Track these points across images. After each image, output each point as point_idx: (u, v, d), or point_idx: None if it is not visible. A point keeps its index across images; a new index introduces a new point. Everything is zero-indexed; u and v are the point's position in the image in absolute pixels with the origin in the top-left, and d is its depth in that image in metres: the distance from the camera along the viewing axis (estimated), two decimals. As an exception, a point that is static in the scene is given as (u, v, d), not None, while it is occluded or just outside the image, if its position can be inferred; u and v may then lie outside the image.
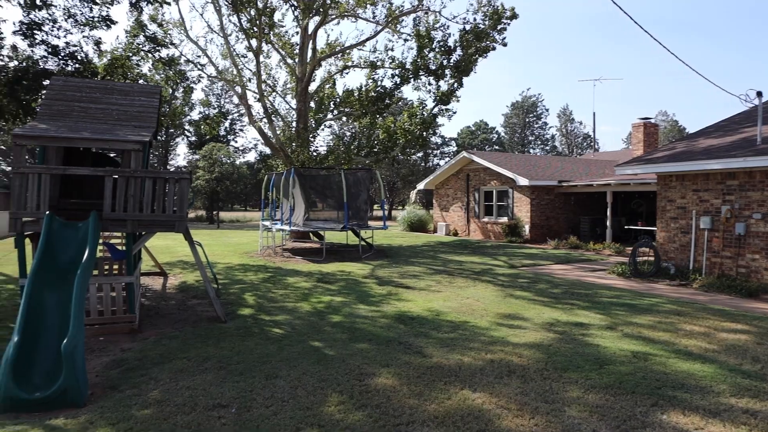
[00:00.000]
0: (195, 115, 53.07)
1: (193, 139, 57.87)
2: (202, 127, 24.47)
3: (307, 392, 5.30)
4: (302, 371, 5.89)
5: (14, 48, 14.24)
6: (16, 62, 13.94)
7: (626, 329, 7.80)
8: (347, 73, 23.98)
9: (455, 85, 21.34)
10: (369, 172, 18.70)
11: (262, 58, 21.97)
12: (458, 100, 21.78)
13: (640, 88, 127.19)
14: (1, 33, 17.52)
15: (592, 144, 73.56)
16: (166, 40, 19.89)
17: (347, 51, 23.46)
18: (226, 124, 59.99)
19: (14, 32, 13.76)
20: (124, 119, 8.31)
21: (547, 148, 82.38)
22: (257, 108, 34.25)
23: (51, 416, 4.79)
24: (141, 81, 18.37)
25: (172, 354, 6.50)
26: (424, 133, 21.97)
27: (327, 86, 24.04)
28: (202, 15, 29.06)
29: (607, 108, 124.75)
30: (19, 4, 13.55)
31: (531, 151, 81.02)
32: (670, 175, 13.29)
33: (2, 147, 44.41)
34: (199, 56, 25.73)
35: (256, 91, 22.06)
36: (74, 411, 4.89)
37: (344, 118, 29.50)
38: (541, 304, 9.67)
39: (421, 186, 30.15)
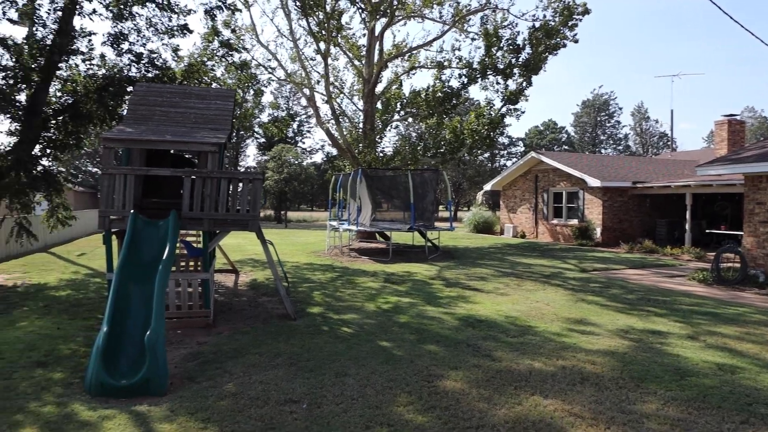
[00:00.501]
0: (264, 117, 54.73)
1: (263, 140, 59.63)
2: (271, 128, 25.17)
3: (376, 391, 5.33)
4: (371, 370, 5.94)
5: (102, 57, 15.14)
6: (104, 71, 14.82)
7: (709, 339, 7.38)
8: (414, 74, 24.08)
9: (524, 84, 20.92)
10: (436, 173, 18.63)
11: (329, 61, 22.35)
12: (527, 100, 21.35)
13: (724, 83, 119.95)
14: (92, 44, 18.67)
15: (669, 143, 70.05)
16: (239, 45, 20.60)
17: (414, 52, 23.49)
18: (294, 125, 61.47)
19: (103, 43, 14.64)
20: (201, 122, 8.67)
21: (620, 147, 79.25)
22: (325, 110, 34.86)
23: (136, 403, 5.06)
24: (215, 85, 19.11)
25: (245, 349, 6.72)
26: (492, 133, 21.66)
27: (393, 87, 24.16)
28: (272, 20, 30.08)
29: (686, 105, 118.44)
30: (109, 17, 14.39)
31: (602, 151, 78.21)
32: (759, 176, 12.45)
33: (88, 149, 47.29)
34: (269, 60, 26.52)
35: (324, 93, 22.47)
36: (156, 399, 5.15)
37: (410, 119, 29.56)
38: (614, 309, 9.31)
39: (487, 187, 29.75)
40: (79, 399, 5.12)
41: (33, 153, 12.41)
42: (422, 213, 17.78)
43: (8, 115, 12.54)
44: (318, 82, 24.22)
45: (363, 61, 23.08)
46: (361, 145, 21.53)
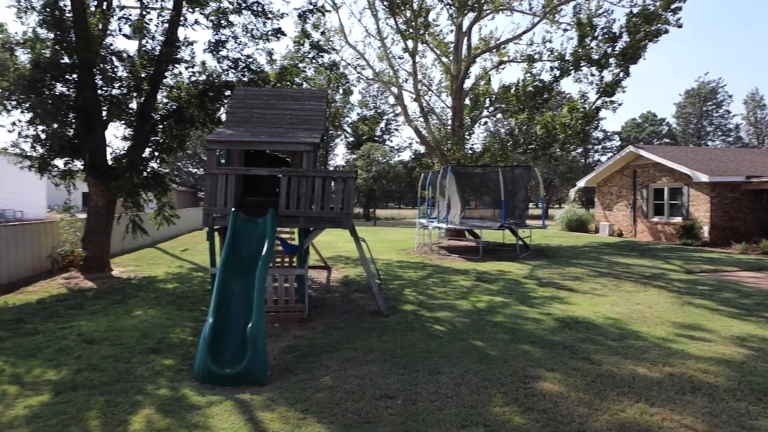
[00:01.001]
0: (353, 116, 55.74)
1: (351, 139, 60.80)
2: (362, 127, 25.55)
3: (471, 390, 5.27)
4: (465, 369, 5.87)
5: (203, 64, 16.05)
6: (204, 77, 15.70)
7: (841, 348, 6.66)
8: (503, 69, 23.52)
9: (620, 74, 19.84)
10: (527, 170, 18.15)
11: (417, 58, 22.37)
12: (624, 91, 20.18)
13: None
14: (194, 52, 19.79)
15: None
16: (328, 47, 21.09)
17: (502, 46, 22.98)
18: (382, 124, 62.16)
19: (204, 50, 15.54)
20: (296, 123, 8.96)
21: (730, 139, 73.39)
22: (413, 108, 34.93)
23: (239, 391, 5.32)
24: (305, 85, 19.70)
25: (339, 344, 6.87)
26: (586, 127, 20.72)
27: (482, 83, 23.76)
28: (359, 20, 30.41)
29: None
30: (209, 26, 15.23)
31: (709, 143, 72.81)
32: None
33: (188, 151, 50.23)
34: (357, 59, 26.93)
35: (412, 90, 22.53)
36: (257, 388, 5.38)
37: (500, 115, 28.96)
38: (727, 315, 8.62)
39: (581, 183, 28.59)
40: (188, 384, 5.45)
41: (143, 156, 13.39)
42: (513, 210, 17.38)
43: (123, 122, 13.60)
44: (406, 80, 24.32)
45: (450, 58, 22.90)
46: (449, 142, 21.37)
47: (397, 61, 24.27)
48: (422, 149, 40.64)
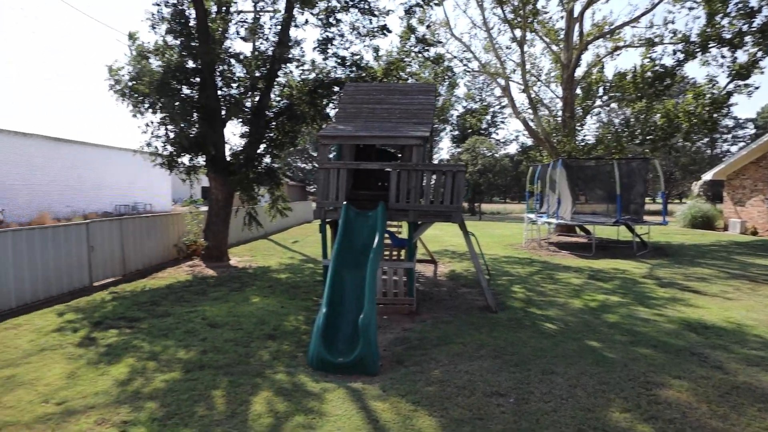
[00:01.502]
0: (459, 109, 55.20)
1: (456, 133, 60.26)
2: (469, 120, 25.20)
3: (587, 393, 5.01)
4: (580, 370, 5.60)
5: (312, 63, 16.60)
6: (314, 74, 16.23)
7: None
8: (618, 55, 22.27)
9: (758, 54, 17.93)
10: (645, 162, 16.98)
11: (525, 48, 21.65)
12: (762, 72, 18.24)
13: None
14: (303, 51, 20.54)
15: None
16: (433, 40, 20.98)
17: (618, 30, 21.63)
18: (488, 117, 61.04)
19: (313, 49, 16.06)
20: (405, 117, 8.99)
21: None
22: (520, 99, 33.90)
23: (351, 380, 5.43)
24: (411, 80, 19.77)
25: (448, 338, 6.81)
26: (714, 114, 18.99)
27: (595, 70, 22.54)
28: (465, 12, 30.07)
29: None
30: (318, 25, 15.72)
31: None
32: None
33: (298, 147, 52.16)
34: (464, 51, 26.56)
35: (520, 81, 21.87)
36: (368, 378, 5.47)
37: (614, 104, 27.36)
38: None
39: (707, 176, 26.31)
40: (303, 371, 5.66)
41: (258, 151, 14.10)
42: (628, 205, 16.35)
43: (240, 119, 14.40)
44: (513, 71, 23.65)
45: (561, 46, 21.93)
46: (559, 134, 20.52)
47: (504, 51, 23.67)
48: (530, 142, 39.40)
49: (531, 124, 22.37)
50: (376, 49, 18.27)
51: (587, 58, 30.05)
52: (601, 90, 22.07)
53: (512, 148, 66.10)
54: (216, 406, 4.79)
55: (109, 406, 4.76)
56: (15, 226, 15.33)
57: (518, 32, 21.26)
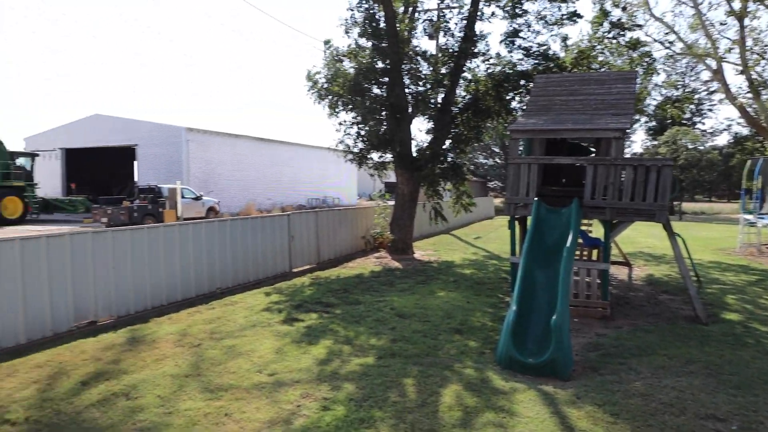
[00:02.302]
0: (656, 98, 50.20)
1: (653, 124, 54.94)
2: (670, 110, 22.77)
3: (836, 429, 4.21)
4: (824, 401, 4.73)
5: (498, 56, 16.33)
6: (499, 68, 15.96)
7: None
8: None
9: None
10: None
11: (746, 22, 18.86)
12: None
13: None
14: (488, 45, 20.32)
15: None
16: (631, 23, 19.28)
17: None
18: (692, 105, 54.59)
19: (500, 42, 15.77)
20: (601, 108, 8.40)
21: None
22: (736, 82, 29.77)
23: (541, 382, 5.24)
24: (602, 69, 18.43)
25: (650, 348, 6.23)
26: None
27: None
28: (668, -13, 26.97)
29: None
30: (505, 17, 15.41)
31: None
32: None
33: (481, 143, 51.74)
34: (666, 33, 24.03)
35: (737, 61, 19.14)
36: (560, 382, 5.23)
37: None
38: None
39: None
40: (491, 368, 5.60)
41: (443, 147, 14.29)
42: None
43: (426, 116, 14.73)
44: (728, 50, 20.77)
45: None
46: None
47: (716, 28, 20.90)
48: (746, 131, 34.50)
49: (750, 110, 19.48)
50: (564, 39, 17.36)
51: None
52: None
53: (722, 139, 58.47)
54: (407, 393, 4.95)
55: (311, 382, 5.19)
56: (228, 216, 17.56)
57: (737, 3, 18.61)
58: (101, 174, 34.72)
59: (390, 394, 4.93)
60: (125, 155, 32.00)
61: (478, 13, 14.36)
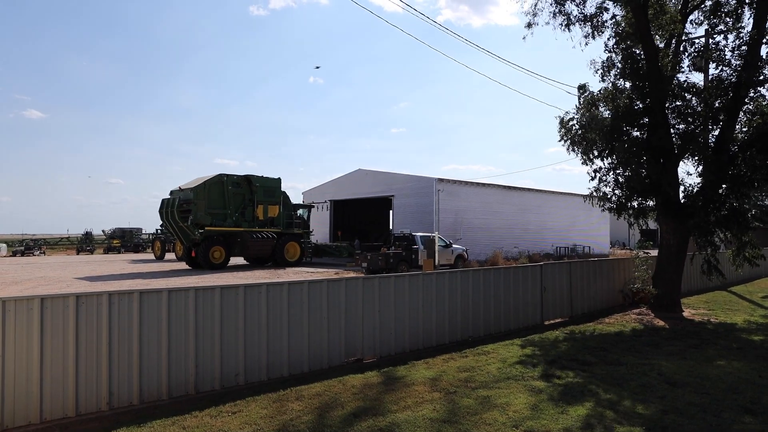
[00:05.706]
0: None
1: None
2: None
3: None
4: None
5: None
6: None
7: None
8: None
9: None
10: None
11: None
12: None
13: None
14: None
15: None
16: None
17: None
18: None
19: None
20: None
21: None
22: None
23: None
24: None
25: None
26: None
27: None
28: None
29: None
30: None
31: None
32: None
33: None
34: None
35: None
36: None
37: None
38: None
39: None
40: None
41: (720, 191, 12.42)
42: None
43: (695, 157, 13.02)
44: None
45: None
46: None
47: None
48: None
49: None
50: None
51: None
52: None
53: None
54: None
55: (569, 447, 4.80)
56: (475, 264, 17.80)
57: None
58: (361, 222, 39.18)
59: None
60: (381, 205, 35.54)
61: (765, 35, 12.37)
